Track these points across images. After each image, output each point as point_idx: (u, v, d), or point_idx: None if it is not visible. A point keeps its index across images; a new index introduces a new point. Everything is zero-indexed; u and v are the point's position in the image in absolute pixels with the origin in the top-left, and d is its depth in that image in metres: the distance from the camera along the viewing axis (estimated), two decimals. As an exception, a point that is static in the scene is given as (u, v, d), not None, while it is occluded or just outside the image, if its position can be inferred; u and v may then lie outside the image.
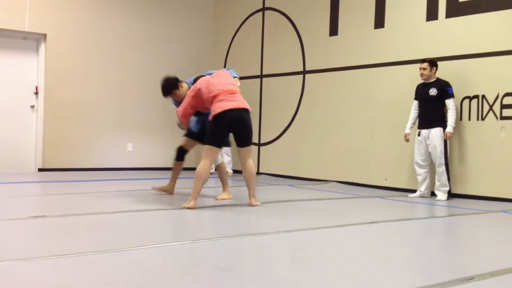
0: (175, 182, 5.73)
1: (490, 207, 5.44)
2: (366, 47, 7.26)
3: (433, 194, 6.17)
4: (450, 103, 6.00)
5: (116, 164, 8.86)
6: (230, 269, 2.77)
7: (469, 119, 6.13)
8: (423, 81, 6.20)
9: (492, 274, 2.78)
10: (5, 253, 2.95)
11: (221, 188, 5.64)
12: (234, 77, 5.19)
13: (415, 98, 6.29)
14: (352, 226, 4.23)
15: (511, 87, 5.81)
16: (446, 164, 5.99)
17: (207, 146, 4.87)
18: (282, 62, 8.55)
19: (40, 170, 8.26)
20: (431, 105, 6.08)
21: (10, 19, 7.96)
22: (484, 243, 3.78)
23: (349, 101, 7.46)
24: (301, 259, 3.11)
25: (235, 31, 9.48)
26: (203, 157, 4.88)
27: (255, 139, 8.80)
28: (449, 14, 6.36)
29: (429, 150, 6.09)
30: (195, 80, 5.24)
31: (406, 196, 6.26)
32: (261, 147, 8.87)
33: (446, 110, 6.04)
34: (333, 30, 7.72)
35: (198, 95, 4.95)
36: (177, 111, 5.14)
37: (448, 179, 5.99)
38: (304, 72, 8.19)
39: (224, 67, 9.53)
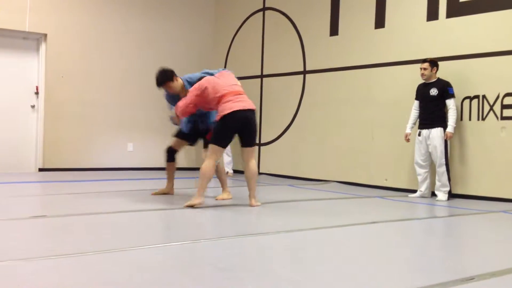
0: (172, 183, 5.73)
1: (490, 207, 5.44)
2: (367, 47, 7.26)
3: (433, 194, 6.16)
4: (450, 103, 6.00)
5: (116, 164, 8.86)
6: (230, 269, 2.77)
7: (470, 119, 6.13)
8: (423, 81, 6.20)
9: (493, 275, 2.78)
10: (5, 253, 2.95)
11: (221, 188, 5.63)
12: None
13: (416, 98, 6.29)
14: (352, 226, 4.22)
15: (511, 87, 5.81)
16: (447, 164, 5.98)
17: (212, 146, 4.87)
18: (283, 62, 8.55)
19: (40, 170, 8.26)
20: (432, 105, 6.08)
21: (11, 19, 7.96)
22: (485, 243, 3.78)
23: (349, 101, 7.46)
24: (301, 259, 3.11)
25: (235, 31, 9.48)
26: (207, 156, 4.90)
27: (255, 139, 8.80)
28: (449, 14, 6.36)
29: (430, 150, 6.09)
30: (199, 79, 5.17)
31: (406, 196, 6.26)
32: (261, 147, 8.87)
33: (447, 110, 6.04)
34: (334, 30, 7.72)
35: (203, 94, 4.92)
36: (176, 106, 5.08)
37: (449, 179, 5.99)
38: (304, 72, 8.19)
39: (225, 67, 9.53)
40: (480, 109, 6.04)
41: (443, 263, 3.12)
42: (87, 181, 7.00)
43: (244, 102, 4.88)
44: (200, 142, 5.73)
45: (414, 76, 6.41)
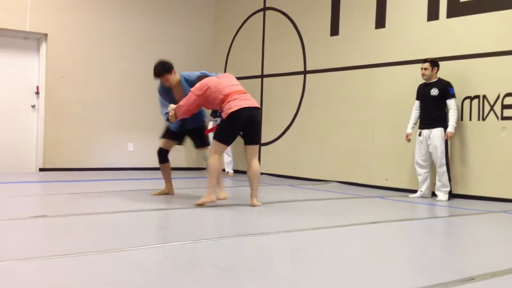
0: (170, 183, 5.73)
1: (490, 208, 5.44)
2: (367, 47, 7.26)
3: (433, 194, 6.16)
4: (451, 103, 5.99)
5: (117, 164, 8.87)
6: (230, 269, 2.76)
7: (470, 119, 6.12)
8: (424, 81, 6.19)
9: (493, 275, 2.78)
10: (5, 253, 2.95)
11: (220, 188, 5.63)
12: None
13: (417, 98, 6.28)
14: (353, 226, 4.22)
15: (512, 87, 5.82)
16: (447, 164, 5.98)
17: (216, 142, 4.88)
18: (283, 62, 8.55)
19: (41, 170, 8.27)
20: (433, 105, 6.08)
21: (11, 19, 7.97)
22: (485, 244, 3.78)
23: (349, 101, 7.46)
24: (301, 259, 3.11)
25: (236, 31, 9.48)
26: (211, 153, 4.92)
27: (255, 139, 8.79)
28: (450, 14, 6.36)
29: (430, 150, 6.08)
30: (198, 78, 5.16)
31: (407, 196, 6.26)
32: (262, 147, 8.86)
33: (447, 110, 6.03)
34: (334, 30, 7.71)
35: (204, 94, 4.92)
36: (178, 106, 5.03)
37: (449, 179, 5.98)
38: (305, 72, 8.19)
39: (225, 67, 9.54)
40: (481, 109, 6.04)
41: (443, 263, 3.12)
42: (88, 181, 7.00)
43: (250, 101, 4.91)
44: (189, 141, 5.71)
45: (414, 76, 6.41)
